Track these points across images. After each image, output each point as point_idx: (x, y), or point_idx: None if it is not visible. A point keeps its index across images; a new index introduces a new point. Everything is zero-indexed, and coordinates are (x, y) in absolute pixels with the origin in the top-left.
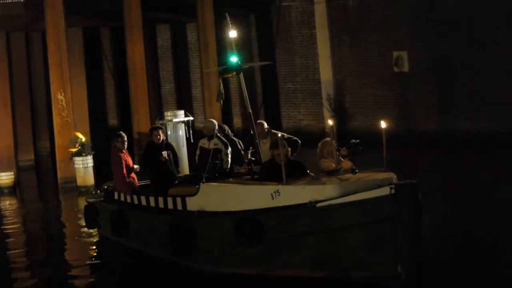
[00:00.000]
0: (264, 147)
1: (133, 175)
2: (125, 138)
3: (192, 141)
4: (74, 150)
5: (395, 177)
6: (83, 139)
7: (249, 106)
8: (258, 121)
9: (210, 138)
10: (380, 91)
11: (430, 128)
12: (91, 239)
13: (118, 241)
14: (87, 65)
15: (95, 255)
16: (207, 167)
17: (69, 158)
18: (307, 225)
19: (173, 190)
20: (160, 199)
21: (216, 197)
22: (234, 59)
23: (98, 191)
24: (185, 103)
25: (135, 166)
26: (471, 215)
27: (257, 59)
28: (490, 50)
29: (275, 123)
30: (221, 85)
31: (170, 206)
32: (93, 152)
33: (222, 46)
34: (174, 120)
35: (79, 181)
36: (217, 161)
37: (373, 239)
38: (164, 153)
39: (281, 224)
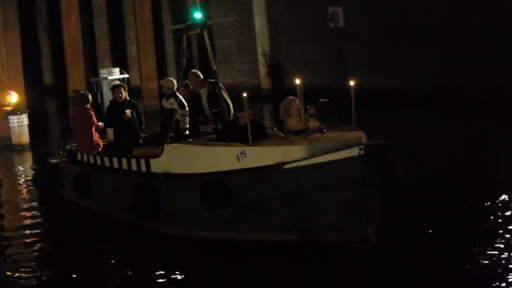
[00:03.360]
0: (202, 97)
1: (96, 134)
2: (90, 96)
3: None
4: (8, 108)
5: (365, 136)
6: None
7: (214, 63)
8: (192, 71)
9: (168, 97)
10: (315, 47)
11: (363, 84)
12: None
13: (82, 203)
14: (21, 24)
15: (50, 218)
16: (171, 126)
17: (4, 117)
18: (274, 187)
19: (137, 151)
20: (124, 161)
21: (181, 159)
22: (198, 15)
23: (61, 152)
24: (120, 61)
25: (100, 124)
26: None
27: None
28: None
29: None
30: (185, 42)
31: (134, 167)
32: (28, 111)
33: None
34: (109, 77)
35: (14, 140)
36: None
37: (342, 201)
38: (128, 112)
39: (247, 187)
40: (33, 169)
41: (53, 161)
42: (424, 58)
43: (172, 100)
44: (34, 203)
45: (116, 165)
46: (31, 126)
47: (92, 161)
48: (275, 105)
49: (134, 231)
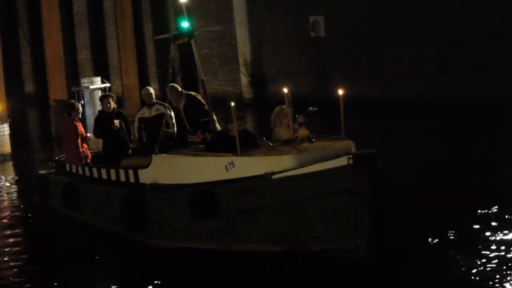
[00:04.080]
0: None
1: (85, 145)
2: (80, 107)
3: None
4: None
5: (354, 145)
6: None
7: (202, 72)
8: (170, 85)
9: (150, 105)
10: (297, 56)
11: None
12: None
13: (71, 214)
14: (2, 32)
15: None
16: (160, 135)
17: None
18: (263, 198)
19: (126, 161)
20: (112, 171)
21: (169, 170)
22: (185, 24)
23: (49, 163)
24: (101, 70)
25: (89, 135)
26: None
27: (173, 25)
28: (409, 16)
29: (192, 89)
30: (172, 51)
31: (123, 178)
32: (9, 120)
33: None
34: (91, 87)
35: None
36: (168, 129)
37: (331, 211)
38: (116, 122)
39: (236, 197)
40: (14, 179)
41: (42, 172)
42: (405, 66)
43: (157, 106)
44: (16, 213)
45: (104, 176)
46: (12, 135)
47: (80, 172)
48: (294, 116)
49: (123, 242)
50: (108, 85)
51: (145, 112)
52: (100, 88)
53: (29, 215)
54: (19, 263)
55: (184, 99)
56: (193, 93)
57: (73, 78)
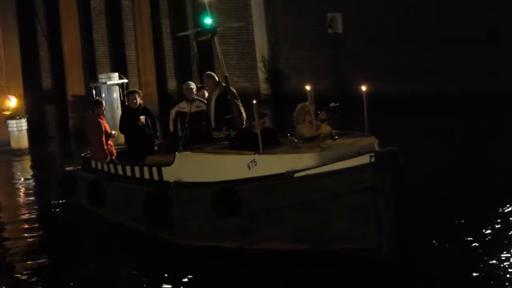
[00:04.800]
0: (211, 101)
1: (110, 142)
2: (104, 104)
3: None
4: (7, 113)
5: (377, 142)
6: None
7: (225, 69)
8: (206, 73)
9: (191, 101)
10: (314, 53)
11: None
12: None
13: (96, 211)
14: (20, 28)
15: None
16: (184, 131)
17: (3, 121)
18: (285, 196)
19: (150, 159)
20: (136, 169)
21: (192, 167)
22: (208, 20)
23: (75, 159)
24: (119, 66)
25: (113, 132)
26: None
27: (191, 21)
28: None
29: None
30: (195, 48)
31: (147, 176)
32: (27, 115)
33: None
34: (108, 82)
35: (13, 144)
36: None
37: (353, 210)
38: (142, 118)
39: (258, 196)
40: (32, 174)
41: (68, 168)
42: (424, 62)
43: (198, 102)
44: (34, 208)
45: (129, 173)
46: (30, 130)
47: (105, 169)
48: (316, 112)
49: (146, 240)
50: (125, 81)
51: (185, 107)
52: (117, 84)
53: (52, 210)
54: (43, 258)
55: (219, 90)
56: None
57: (91, 74)
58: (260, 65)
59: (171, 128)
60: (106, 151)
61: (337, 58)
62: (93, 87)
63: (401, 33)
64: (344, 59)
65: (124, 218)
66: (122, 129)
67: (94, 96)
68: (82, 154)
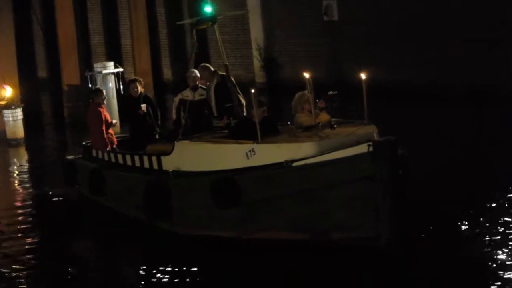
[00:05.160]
0: (210, 90)
1: (111, 131)
2: (105, 93)
3: (122, 92)
4: (3, 103)
5: (376, 131)
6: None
7: (225, 57)
8: (201, 64)
9: (194, 89)
10: (310, 41)
11: (357, 77)
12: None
13: (97, 200)
14: (15, 18)
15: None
16: (185, 120)
17: None
18: (283, 186)
19: (150, 147)
20: (136, 158)
21: (191, 156)
22: (208, 9)
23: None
24: (114, 55)
25: (114, 121)
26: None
27: (186, 10)
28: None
29: None
30: (195, 36)
31: (146, 165)
32: (22, 105)
33: None
34: (104, 71)
35: (9, 134)
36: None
37: (352, 199)
38: (143, 106)
39: (256, 185)
40: (27, 163)
41: (69, 157)
42: (420, 52)
43: (201, 90)
44: (28, 200)
45: (129, 162)
46: (25, 120)
47: (106, 158)
48: (314, 100)
49: (147, 228)
50: (121, 70)
51: (188, 95)
52: (113, 73)
53: (50, 199)
54: (41, 247)
55: (216, 79)
56: (225, 74)
57: (86, 63)
58: (255, 53)
59: (174, 116)
60: (107, 140)
61: (333, 46)
62: (88, 76)
63: (398, 20)
64: (340, 47)
65: (124, 207)
66: (123, 117)
67: (90, 85)
68: (83, 143)
